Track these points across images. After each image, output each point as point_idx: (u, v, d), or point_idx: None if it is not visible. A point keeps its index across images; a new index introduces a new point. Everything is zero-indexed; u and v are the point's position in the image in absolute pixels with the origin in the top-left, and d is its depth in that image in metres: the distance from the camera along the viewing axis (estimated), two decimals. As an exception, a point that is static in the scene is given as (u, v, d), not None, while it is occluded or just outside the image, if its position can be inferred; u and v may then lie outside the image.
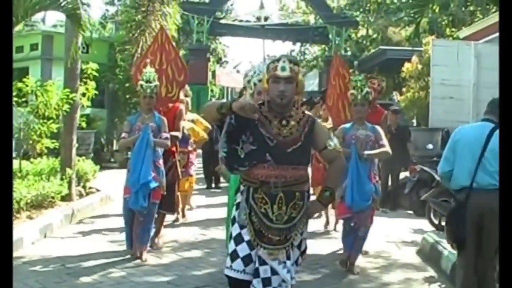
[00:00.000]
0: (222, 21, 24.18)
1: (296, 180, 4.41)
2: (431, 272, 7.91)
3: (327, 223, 10.44)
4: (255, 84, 6.05)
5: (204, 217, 11.29)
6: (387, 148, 7.75)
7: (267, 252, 4.36)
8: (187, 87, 10.92)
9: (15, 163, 11.48)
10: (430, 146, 14.50)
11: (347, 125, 7.91)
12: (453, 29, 26.55)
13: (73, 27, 10.53)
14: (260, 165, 4.35)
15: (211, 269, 7.65)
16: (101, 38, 21.05)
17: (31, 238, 8.70)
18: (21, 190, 9.76)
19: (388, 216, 11.89)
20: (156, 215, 8.44)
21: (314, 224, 9.74)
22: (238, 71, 47.81)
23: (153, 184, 7.91)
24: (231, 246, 4.46)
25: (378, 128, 8.03)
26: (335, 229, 10.09)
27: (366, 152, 7.57)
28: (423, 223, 10.55)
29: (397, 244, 9.31)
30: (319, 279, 7.64)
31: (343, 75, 9.18)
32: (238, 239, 4.43)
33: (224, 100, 4.68)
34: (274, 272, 4.35)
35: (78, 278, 7.11)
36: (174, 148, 9.04)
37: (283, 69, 4.36)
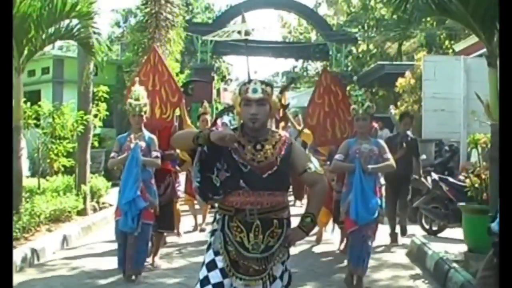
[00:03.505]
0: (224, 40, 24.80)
1: (273, 207, 4.16)
2: (417, 270, 8.69)
3: (319, 240, 10.40)
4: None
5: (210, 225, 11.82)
6: (392, 162, 7.71)
7: (243, 283, 4.16)
8: (206, 104, 11.23)
9: (34, 181, 12.35)
10: (424, 157, 15.18)
11: (351, 140, 7.91)
12: (452, 42, 27.09)
13: (85, 54, 11.37)
14: (234, 192, 4.12)
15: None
16: (109, 61, 21.63)
17: (52, 249, 9.51)
18: (41, 205, 10.53)
19: (382, 222, 12.51)
20: (153, 234, 8.37)
21: (316, 247, 10.20)
22: (225, 89, 48.63)
23: (142, 204, 7.72)
24: (203, 272, 4.20)
25: (382, 142, 8.12)
26: (340, 250, 9.77)
27: (370, 166, 7.54)
28: (415, 228, 11.16)
29: (388, 247, 10.03)
30: (310, 274, 8.36)
31: (335, 93, 9.22)
32: (211, 265, 4.18)
33: (197, 131, 4.39)
34: None
35: (97, 280, 7.92)
36: (170, 166, 9.11)
37: (254, 91, 4.16)
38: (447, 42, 28.91)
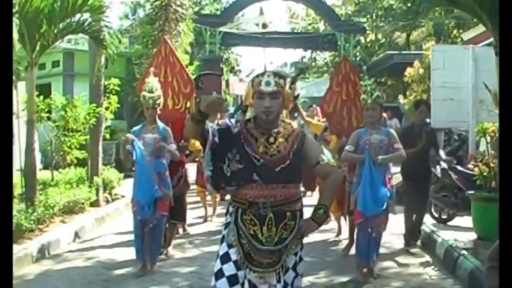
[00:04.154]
0: (233, 31, 24.65)
1: (287, 199, 4.17)
2: (427, 258, 8.81)
3: (339, 232, 10.26)
4: None
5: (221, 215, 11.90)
6: (402, 152, 7.61)
7: (257, 275, 4.17)
8: (215, 94, 11.29)
9: (46, 174, 12.52)
10: (432, 146, 15.30)
11: (361, 130, 7.81)
12: (460, 31, 27.04)
13: (96, 48, 11.50)
14: (247, 185, 4.13)
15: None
16: (119, 53, 21.83)
17: (67, 240, 9.69)
18: (54, 197, 10.70)
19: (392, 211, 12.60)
20: (167, 226, 8.53)
21: (325, 235, 10.23)
22: (241, 80, 48.67)
23: (157, 194, 7.81)
24: (217, 265, 4.24)
25: (392, 131, 8.04)
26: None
27: (380, 157, 7.48)
28: (425, 218, 11.20)
29: (399, 236, 10.12)
30: (321, 263, 8.50)
31: (354, 81, 9.10)
32: (225, 258, 4.21)
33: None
34: None
35: (113, 271, 8.08)
36: (183, 158, 9.15)
37: (267, 84, 4.13)
38: (455, 31, 28.89)
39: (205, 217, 11.69)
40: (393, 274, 8.01)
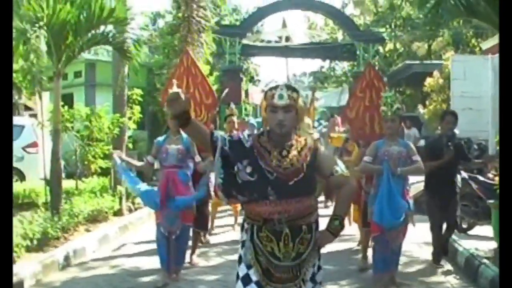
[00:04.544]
0: (253, 42, 24.85)
1: (301, 213, 4.12)
2: (448, 267, 8.84)
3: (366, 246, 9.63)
4: None
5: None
6: (420, 164, 7.57)
7: None
8: (232, 105, 11.32)
9: (70, 183, 12.72)
10: (453, 156, 15.36)
11: (380, 141, 7.75)
12: (479, 40, 27.09)
13: (120, 58, 11.70)
14: (261, 201, 4.07)
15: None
16: (141, 64, 22.04)
17: (92, 248, 9.83)
18: (79, 206, 10.91)
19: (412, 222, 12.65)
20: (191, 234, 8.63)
21: (347, 243, 10.27)
22: (263, 91, 48.91)
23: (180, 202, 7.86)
24: (239, 286, 4.18)
25: (410, 143, 7.96)
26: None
27: (399, 169, 7.43)
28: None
29: (419, 245, 10.19)
30: (342, 271, 8.60)
31: (378, 88, 9.02)
32: (246, 280, 4.15)
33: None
34: None
35: (138, 278, 8.23)
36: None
37: (280, 97, 4.11)
38: (473, 40, 28.93)
39: (211, 228, 11.34)
40: (416, 282, 8.07)
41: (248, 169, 4.08)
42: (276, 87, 4.19)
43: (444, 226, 9.12)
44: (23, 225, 8.90)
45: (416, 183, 15.54)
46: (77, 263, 9.08)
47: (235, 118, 11.14)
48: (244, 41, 26.04)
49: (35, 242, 8.79)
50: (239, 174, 4.09)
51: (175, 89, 8.07)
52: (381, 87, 8.97)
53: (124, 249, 10.15)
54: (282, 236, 4.07)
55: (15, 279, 7.21)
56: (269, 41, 33.40)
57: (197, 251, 9.35)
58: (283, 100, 4.10)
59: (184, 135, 8.01)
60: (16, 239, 8.21)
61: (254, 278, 4.13)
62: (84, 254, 9.50)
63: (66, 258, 8.90)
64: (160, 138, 8.28)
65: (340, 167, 4.34)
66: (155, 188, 8.16)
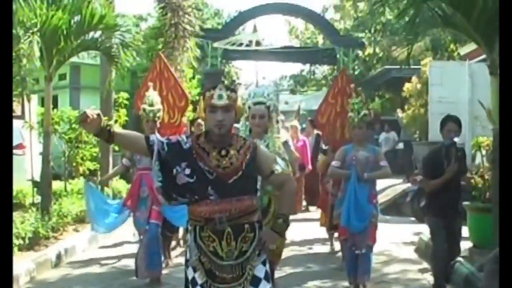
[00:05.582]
0: (224, 46, 24.93)
1: (242, 212, 4.12)
2: (424, 265, 9.23)
3: (333, 250, 10.13)
4: (249, 107, 6.22)
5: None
6: (388, 170, 7.67)
7: None
8: (201, 121, 11.24)
9: (61, 184, 13.00)
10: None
11: (348, 146, 7.82)
12: (457, 45, 27.45)
13: (108, 63, 12.00)
14: (201, 202, 4.09)
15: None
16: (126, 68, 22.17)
17: (81, 247, 10.15)
18: (68, 207, 11.19)
19: (392, 222, 13.08)
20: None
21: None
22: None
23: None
24: None
25: (378, 149, 8.19)
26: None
27: (366, 174, 7.52)
28: (423, 227, 11.61)
29: (398, 244, 10.57)
30: (319, 272, 8.89)
31: (349, 94, 8.81)
32: (193, 283, 4.18)
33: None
34: None
35: (128, 276, 8.48)
36: None
37: (220, 97, 4.12)
38: (452, 45, 29.32)
39: None
40: (393, 279, 8.45)
41: (187, 171, 4.09)
42: (214, 87, 4.18)
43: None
44: (15, 225, 9.16)
45: (393, 186, 16.01)
46: (68, 261, 9.42)
47: (202, 121, 10.96)
48: (220, 45, 26.06)
49: (27, 241, 9.06)
50: (178, 176, 4.08)
51: (152, 92, 8.26)
52: (352, 93, 8.74)
53: (113, 248, 10.48)
54: (224, 235, 4.08)
55: (10, 276, 7.53)
56: (247, 45, 33.62)
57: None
58: (222, 100, 4.12)
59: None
60: (8, 238, 8.46)
61: (199, 281, 4.15)
62: (75, 253, 9.84)
63: (58, 256, 9.23)
64: None
65: (280, 165, 4.47)
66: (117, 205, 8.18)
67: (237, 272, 4.14)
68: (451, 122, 7.61)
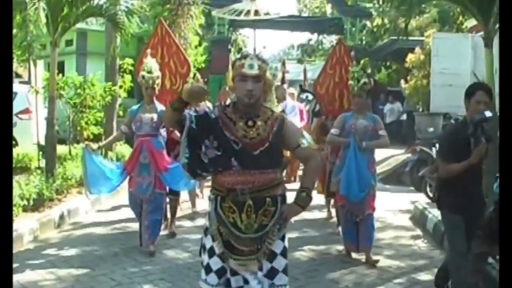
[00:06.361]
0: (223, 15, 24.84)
1: (265, 185, 4.08)
2: (418, 232, 9.51)
3: (330, 217, 10.25)
4: None
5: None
6: (386, 139, 7.73)
7: (239, 263, 4.14)
8: (198, 75, 11.22)
9: (66, 148, 13.25)
10: (431, 129, 15.93)
11: (347, 114, 7.88)
12: (466, 17, 27.36)
13: (113, 29, 12.16)
14: (225, 172, 4.06)
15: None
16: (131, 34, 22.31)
17: (84, 209, 10.43)
18: (72, 170, 11.43)
19: (391, 191, 13.31)
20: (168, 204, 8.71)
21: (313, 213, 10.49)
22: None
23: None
24: (205, 258, 4.20)
25: (378, 117, 8.07)
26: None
27: (365, 142, 7.58)
28: (421, 196, 11.88)
29: (394, 212, 10.78)
30: (315, 237, 9.13)
31: (347, 64, 8.96)
32: (211, 252, 4.17)
33: None
34: (246, 281, 4.19)
35: (130, 237, 8.76)
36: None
37: (250, 67, 4.05)
38: (461, 18, 29.23)
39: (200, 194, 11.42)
40: (386, 244, 8.67)
41: (215, 143, 4.07)
42: (245, 57, 4.14)
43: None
44: (20, 186, 9.39)
45: (395, 156, 16.17)
46: (71, 222, 9.69)
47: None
48: (219, 14, 25.97)
49: (31, 202, 9.32)
50: (208, 151, 4.08)
51: (150, 59, 8.22)
52: (350, 63, 8.90)
53: (114, 210, 10.73)
54: (245, 207, 4.05)
55: (15, 234, 7.81)
56: (246, 14, 33.48)
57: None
58: (253, 69, 4.06)
59: (157, 104, 8.19)
60: (14, 199, 8.70)
61: (217, 251, 4.14)
62: (78, 214, 10.12)
63: (61, 217, 9.51)
64: (134, 108, 8.34)
65: (307, 139, 4.33)
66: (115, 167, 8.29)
67: (255, 245, 4.11)
68: (480, 91, 5.68)
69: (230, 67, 4.25)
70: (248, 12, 22.54)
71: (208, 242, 4.19)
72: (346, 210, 7.82)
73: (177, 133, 7.98)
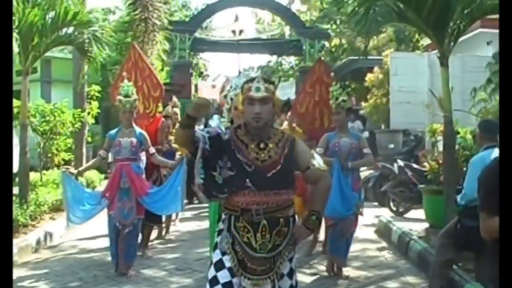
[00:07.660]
0: (203, 37, 25.17)
1: (279, 206, 4.08)
2: (383, 244, 9.93)
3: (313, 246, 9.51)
4: (231, 99, 6.07)
5: (189, 228, 11.55)
6: (371, 157, 7.88)
7: (252, 283, 4.10)
8: (175, 98, 11.48)
9: (36, 175, 13.42)
10: (392, 146, 16.44)
11: (331, 133, 7.92)
12: (421, 36, 28.02)
13: (82, 57, 12.45)
14: (240, 192, 4.05)
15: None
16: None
17: (59, 233, 10.66)
18: (44, 196, 11.64)
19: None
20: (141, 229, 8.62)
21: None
22: (213, 86, 49.63)
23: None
24: (211, 272, 4.16)
25: (361, 135, 8.27)
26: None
27: (350, 162, 7.62)
28: (385, 211, 12.34)
29: (359, 226, 11.12)
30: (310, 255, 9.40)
31: (326, 83, 8.91)
32: (219, 265, 4.13)
33: None
34: None
35: (106, 258, 8.90)
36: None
37: (257, 89, 4.07)
38: (417, 36, 29.93)
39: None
40: (353, 256, 8.97)
41: (229, 164, 4.07)
42: (252, 80, 4.16)
43: None
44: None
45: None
46: (47, 246, 9.94)
47: (177, 110, 11.20)
48: (195, 37, 26.33)
49: (7, 228, 9.48)
50: (222, 172, 4.08)
51: (127, 83, 8.30)
52: (330, 82, 8.72)
53: (89, 234, 10.89)
54: (260, 227, 4.05)
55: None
56: (222, 36, 33.90)
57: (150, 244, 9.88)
58: (260, 92, 4.08)
59: (136, 128, 8.21)
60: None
61: (227, 264, 4.11)
62: (53, 239, 10.36)
63: (38, 242, 9.73)
64: (112, 132, 8.28)
65: (317, 160, 4.33)
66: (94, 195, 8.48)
67: (268, 264, 4.10)
68: None
69: (239, 91, 4.38)
70: (232, 32, 23.03)
71: (217, 256, 4.19)
72: (339, 228, 7.80)
73: (158, 158, 8.41)
